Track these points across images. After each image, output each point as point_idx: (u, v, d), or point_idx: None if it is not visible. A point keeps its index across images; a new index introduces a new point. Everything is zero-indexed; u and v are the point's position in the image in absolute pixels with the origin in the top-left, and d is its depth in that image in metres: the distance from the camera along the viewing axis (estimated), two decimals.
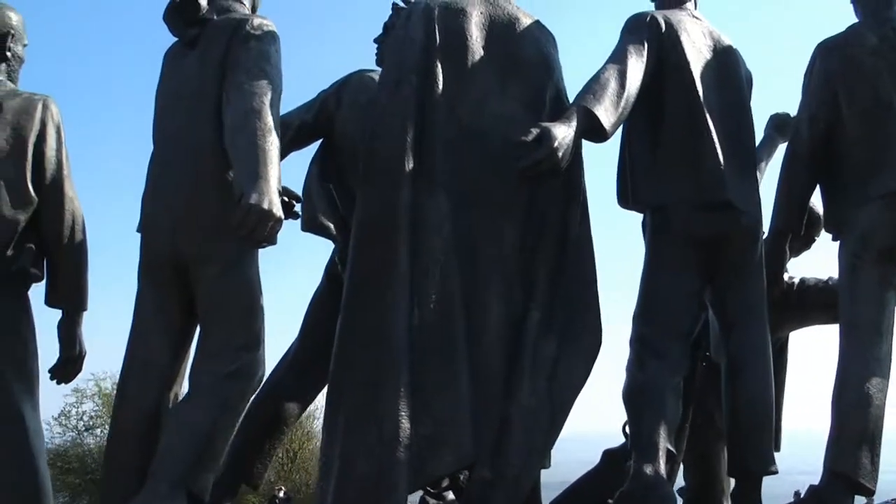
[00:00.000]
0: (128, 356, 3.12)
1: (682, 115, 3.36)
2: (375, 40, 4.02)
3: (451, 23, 3.14)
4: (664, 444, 3.10)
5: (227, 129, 2.91)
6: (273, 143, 2.81)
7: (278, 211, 2.69)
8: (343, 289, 2.94)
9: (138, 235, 3.25)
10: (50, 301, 3.43)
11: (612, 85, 3.15)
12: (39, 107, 3.37)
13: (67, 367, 3.45)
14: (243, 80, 2.96)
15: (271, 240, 2.78)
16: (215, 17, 3.18)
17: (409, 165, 2.94)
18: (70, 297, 3.42)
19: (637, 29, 3.38)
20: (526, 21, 3.27)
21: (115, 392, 3.40)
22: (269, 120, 2.85)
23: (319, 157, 3.84)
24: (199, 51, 3.14)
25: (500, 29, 3.21)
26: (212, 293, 3.01)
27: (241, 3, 3.30)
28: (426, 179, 2.96)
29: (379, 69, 3.94)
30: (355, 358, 2.83)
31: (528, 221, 3.10)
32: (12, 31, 3.47)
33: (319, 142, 3.85)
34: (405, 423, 2.74)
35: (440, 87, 3.05)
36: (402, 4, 4.04)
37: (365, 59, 5.88)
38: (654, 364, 3.24)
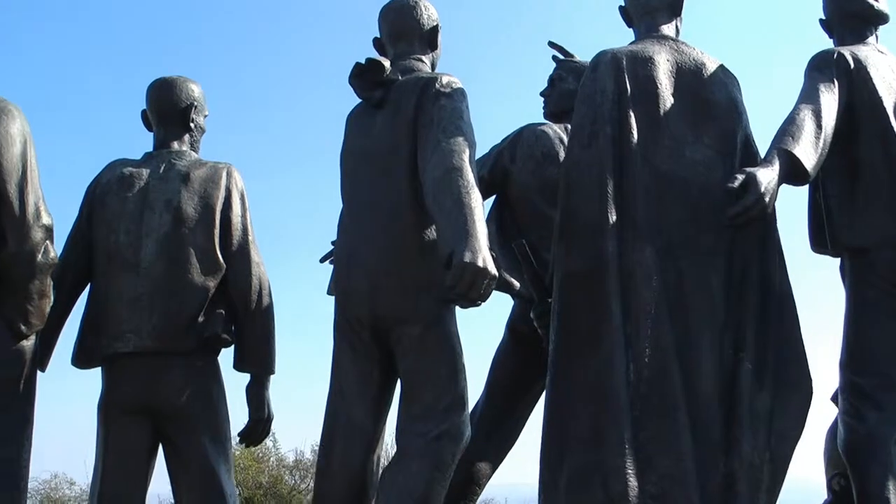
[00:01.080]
0: (330, 420, 3.09)
1: (880, 154, 3.25)
2: (542, 94, 4.01)
3: (640, 71, 3.11)
4: (894, 500, 2.95)
5: (427, 188, 2.89)
6: (478, 199, 2.78)
7: (492, 268, 2.64)
8: (551, 344, 2.89)
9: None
10: (238, 365, 3.45)
11: (809, 126, 3.06)
12: (224, 174, 3.44)
13: (256, 429, 3.46)
14: (440, 137, 2.95)
15: (485, 298, 2.73)
16: (400, 77, 3.19)
17: (612, 217, 2.90)
18: (258, 361, 3.43)
19: (825, 66, 3.29)
20: (711, 65, 3.22)
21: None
22: (471, 177, 2.83)
23: (496, 214, 3.81)
24: (388, 111, 3.15)
25: (688, 75, 3.17)
26: (415, 353, 2.97)
27: (423, 62, 3.31)
28: (630, 230, 2.92)
29: (546, 122, 3.93)
30: (573, 414, 2.77)
31: (730, 270, 3.02)
32: (195, 103, 3.55)
33: (493, 198, 3.83)
34: (632, 482, 2.66)
35: (635, 136, 3.01)
36: (562, 57, 4.04)
37: (530, 112, 5.89)
38: (873, 416, 3.09)
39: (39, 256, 3.02)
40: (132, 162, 3.49)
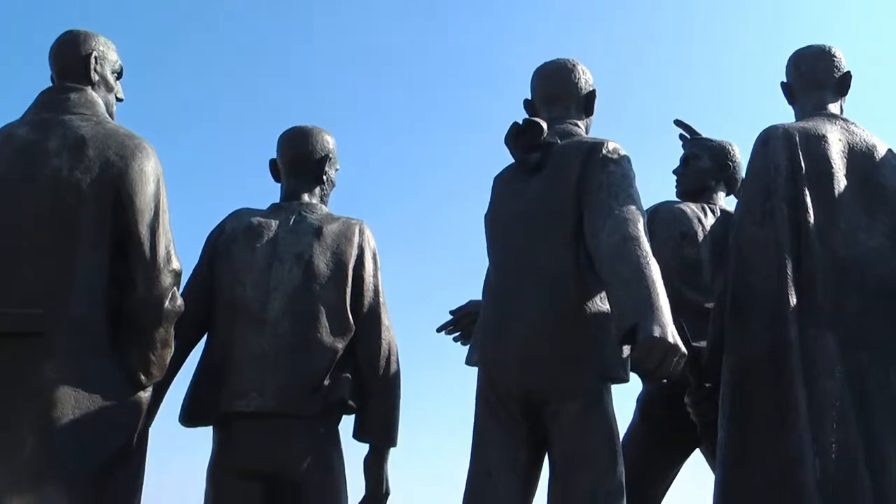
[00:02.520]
0: (473, 500, 2.86)
1: None
2: (674, 172, 3.87)
3: (813, 149, 2.98)
4: None
5: (600, 256, 2.71)
6: (658, 272, 2.61)
7: (682, 345, 2.46)
8: (721, 432, 2.69)
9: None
10: (359, 434, 3.22)
11: None
12: (357, 231, 3.26)
13: None
14: (612, 204, 2.79)
15: (674, 375, 2.53)
16: (558, 140, 3.05)
17: (793, 301, 2.73)
18: (380, 432, 3.20)
19: None
20: (882, 148, 3.10)
21: None
22: (648, 248, 2.66)
23: None
24: (547, 174, 3.00)
25: (860, 156, 3.05)
26: (574, 434, 2.76)
27: (578, 126, 3.18)
28: (811, 316, 2.75)
29: (678, 200, 3.79)
30: None
31: None
32: (330, 155, 3.40)
33: None
34: None
35: (812, 217, 2.87)
36: (689, 136, 3.92)
37: None
38: None
39: (167, 303, 2.84)
40: (259, 212, 3.32)
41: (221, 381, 3.05)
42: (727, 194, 3.78)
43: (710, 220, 3.59)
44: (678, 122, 3.99)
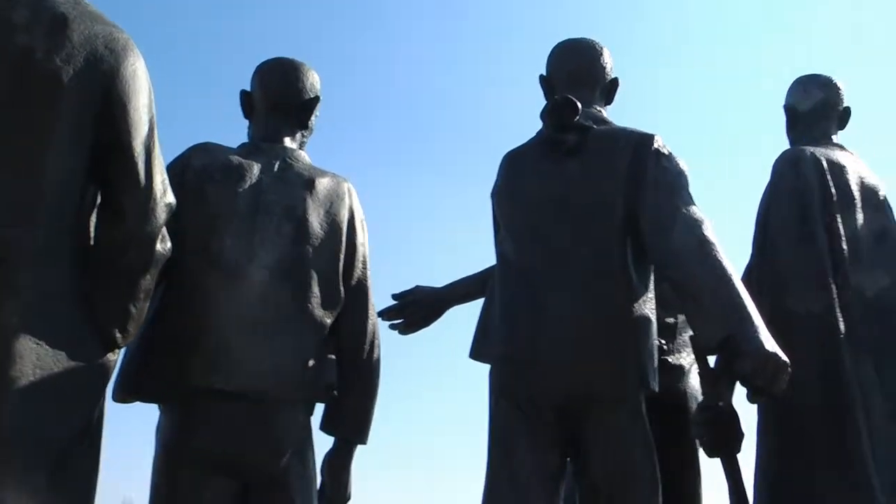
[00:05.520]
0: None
1: None
2: None
3: (838, 177, 2.98)
4: None
5: (674, 258, 2.50)
6: (740, 280, 2.44)
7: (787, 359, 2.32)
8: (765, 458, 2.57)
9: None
10: (326, 425, 2.74)
11: None
12: (347, 190, 2.79)
13: None
14: (678, 204, 2.58)
15: (779, 392, 2.37)
16: (594, 125, 2.80)
17: (842, 328, 2.68)
18: (354, 425, 2.74)
19: None
20: (883, 187, 3.15)
21: None
22: (725, 254, 2.49)
23: None
24: (588, 160, 2.73)
25: (869, 190, 3.08)
26: (619, 447, 2.51)
27: (603, 113, 2.93)
28: (854, 344, 2.71)
29: None
30: None
31: None
32: (319, 99, 2.90)
33: None
34: None
35: (845, 243, 2.84)
36: None
37: None
38: None
39: (158, 244, 2.25)
40: (232, 150, 2.74)
41: (188, 348, 2.47)
42: None
43: None
44: None
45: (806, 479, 2.64)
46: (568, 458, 2.61)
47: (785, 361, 2.29)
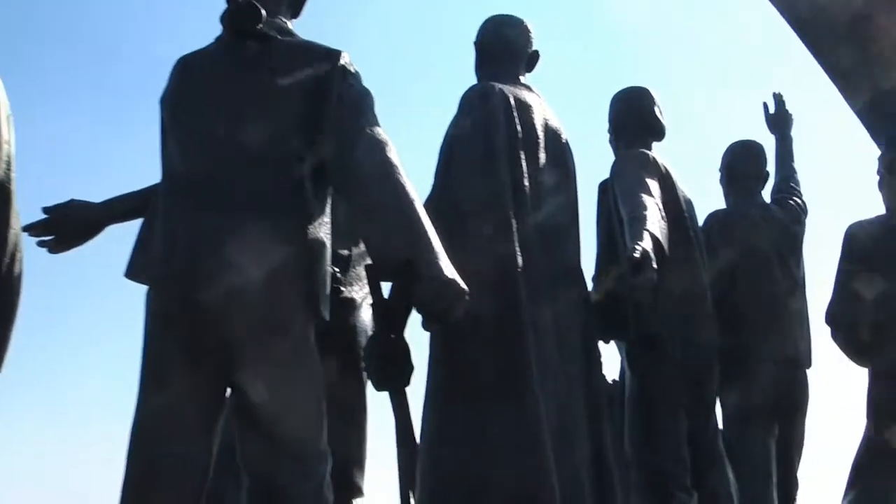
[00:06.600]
0: (145, 453, 2.27)
1: None
2: None
3: (524, 116, 3.02)
4: None
5: (356, 178, 2.35)
6: (422, 206, 2.37)
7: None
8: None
9: (126, 284, 2.43)
10: None
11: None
12: None
13: None
14: (362, 123, 2.44)
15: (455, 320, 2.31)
16: (278, 35, 2.60)
17: (520, 262, 2.74)
18: None
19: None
20: (564, 130, 3.23)
21: None
22: (407, 177, 2.39)
23: None
24: (270, 72, 2.52)
25: (552, 134, 3.15)
26: (282, 374, 2.33)
27: (288, 24, 2.73)
28: (530, 279, 2.81)
29: None
30: None
31: None
32: None
33: None
34: None
35: (527, 180, 2.90)
36: None
37: None
38: None
39: None
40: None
41: None
42: None
43: None
44: None
45: (473, 409, 2.63)
46: (230, 388, 2.41)
47: (463, 289, 2.23)
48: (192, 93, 2.56)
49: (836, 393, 6.90)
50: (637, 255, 2.80)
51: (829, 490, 4.12)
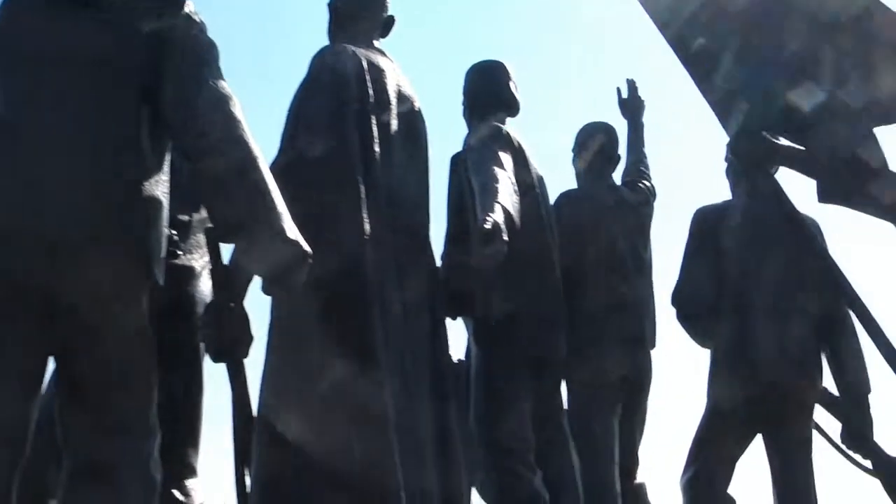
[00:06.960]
0: None
1: None
2: None
3: (376, 79, 2.93)
4: None
5: (195, 134, 2.20)
6: (266, 164, 2.24)
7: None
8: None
9: None
10: None
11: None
12: None
13: None
14: (205, 75, 2.28)
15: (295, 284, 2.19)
16: None
17: (367, 226, 2.65)
18: None
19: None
20: (417, 99, 3.15)
21: None
22: (252, 135, 2.26)
23: None
24: (105, 14, 2.32)
25: (404, 99, 3.06)
26: (112, 338, 2.16)
27: None
28: (376, 242, 2.73)
29: None
30: None
31: None
32: None
33: None
34: None
35: (377, 145, 2.81)
36: None
37: None
38: None
39: None
40: None
41: None
42: None
43: None
44: None
45: (312, 384, 2.53)
46: (54, 357, 2.21)
47: (306, 251, 2.14)
48: (17, 37, 2.32)
49: (680, 373, 7.17)
50: (488, 226, 2.75)
51: (669, 468, 4.23)
